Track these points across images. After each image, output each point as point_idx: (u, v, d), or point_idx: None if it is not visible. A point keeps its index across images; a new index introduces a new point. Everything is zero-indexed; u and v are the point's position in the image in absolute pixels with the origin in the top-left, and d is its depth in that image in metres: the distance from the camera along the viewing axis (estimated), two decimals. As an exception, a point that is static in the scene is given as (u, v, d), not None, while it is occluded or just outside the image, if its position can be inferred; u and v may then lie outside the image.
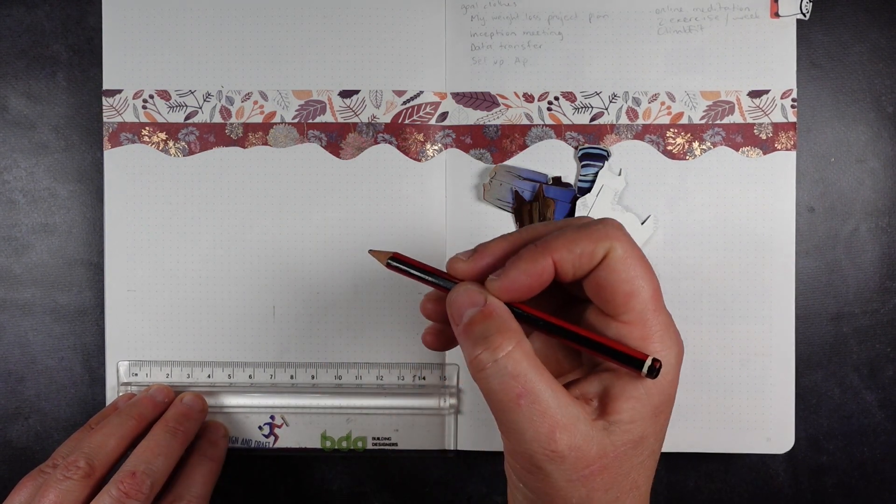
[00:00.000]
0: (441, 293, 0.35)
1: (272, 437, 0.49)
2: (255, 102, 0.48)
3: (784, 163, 0.48)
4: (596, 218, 0.34)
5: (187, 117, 0.48)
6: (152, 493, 0.40)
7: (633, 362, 0.31)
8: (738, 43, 0.48)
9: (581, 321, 0.34)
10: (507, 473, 0.35)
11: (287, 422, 0.49)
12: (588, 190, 0.48)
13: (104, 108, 0.48)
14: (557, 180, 0.48)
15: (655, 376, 0.31)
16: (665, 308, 0.33)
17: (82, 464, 0.39)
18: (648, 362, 0.31)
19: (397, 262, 0.35)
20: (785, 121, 0.48)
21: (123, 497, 0.38)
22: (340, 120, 0.48)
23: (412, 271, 0.35)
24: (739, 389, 0.48)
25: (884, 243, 0.49)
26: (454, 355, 0.48)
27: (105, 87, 0.48)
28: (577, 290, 0.34)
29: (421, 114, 0.48)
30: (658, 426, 0.33)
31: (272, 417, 0.49)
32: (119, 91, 0.48)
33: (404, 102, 0.48)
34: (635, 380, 0.32)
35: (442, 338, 0.36)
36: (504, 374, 0.30)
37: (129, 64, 0.48)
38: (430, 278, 0.34)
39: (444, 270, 0.34)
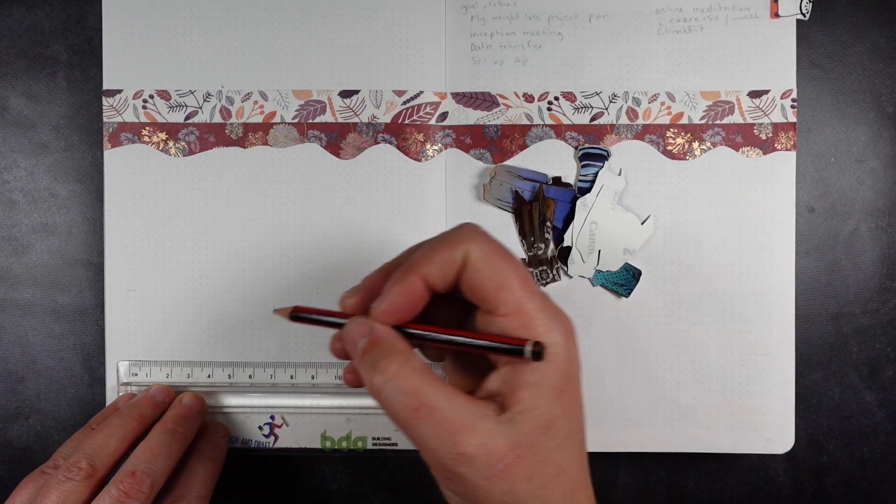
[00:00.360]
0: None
1: (272, 437, 0.49)
2: (255, 102, 0.48)
3: (784, 163, 0.48)
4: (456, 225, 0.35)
5: (187, 117, 0.48)
6: (152, 492, 0.40)
7: (516, 351, 0.32)
8: (738, 43, 0.48)
9: (473, 325, 0.35)
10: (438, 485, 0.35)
11: (287, 422, 0.49)
12: (588, 190, 0.48)
13: (104, 108, 0.48)
14: (557, 180, 0.48)
15: (541, 358, 0.32)
16: (539, 292, 0.34)
17: (84, 464, 0.39)
18: (529, 346, 0.32)
19: (300, 314, 0.38)
20: (785, 121, 0.48)
21: (123, 497, 0.38)
22: (340, 120, 0.48)
23: (315, 319, 0.37)
24: (739, 389, 0.48)
25: (884, 243, 0.49)
26: (454, 355, 0.48)
27: (105, 87, 0.48)
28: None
29: (421, 114, 0.48)
30: (566, 406, 0.33)
31: (272, 417, 0.49)
32: (119, 91, 0.48)
33: (404, 102, 0.48)
34: (528, 367, 0.32)
35: (357, 375, 0.37)
36: (397, 392, 0.32)
37: (129, 64, 0.48)
38: (330, 321, 0.37)
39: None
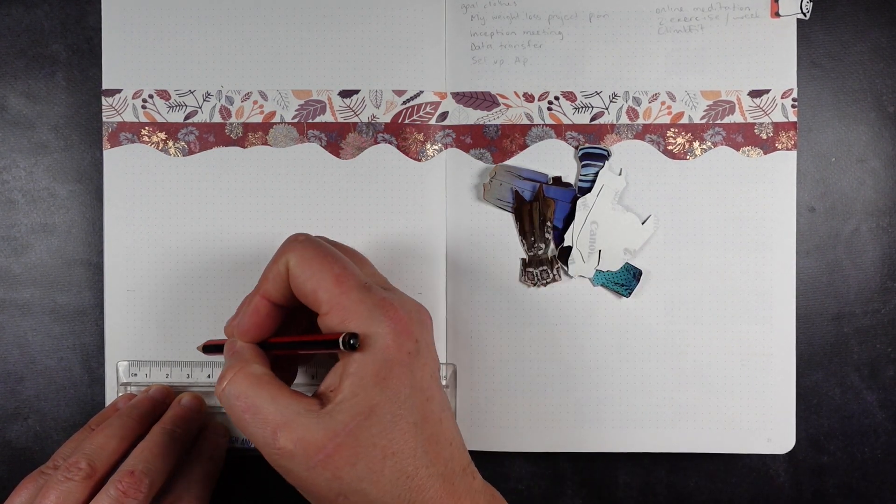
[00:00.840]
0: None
1: (272, 438, 0.49)
2: (255, 102, 0.48)
3: (785, 162, 0.48)
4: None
5: (187, 117, 0.48)
6: (151, 492, 0.39)
7: (333, 344, 0.35)
8: (738, 42, 0.48)
9: (315, 330, 0.38)
10: None
11: (287, 422, 0.49)
12: (588, 190, 0.48)
13: (103, 107, 0.48)
14: (558, 180, 0.48)
15: (354, 348, 0.34)
16: (360, 285, 0.36)
17: (83, 465, 0.39)
18: (341, 339, 0.34)
19: (208, 347, 0.45)
20: (785, 120, 0.48)
21: (122, 496, 0.38)
22: (340, 120, 0.48)
23: (214, 347, 0.43)
24: (740, 390, 0.48)
25: (885, 243, 0.49)
26: (453, 355, 0.48)
27: (104, 86, 0.48)
28: None
29: (421, 114, 0.48)
30: (390, 392, 0.35)
31: (272, 418, 0.49)
32: (118, 91, 0.48)
33: (404, 102, 0.48)
34: (349, 359, 0.35)
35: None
36: (231, 395, 0.36)
37: (128, 63, 0.48)
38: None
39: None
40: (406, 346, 0.35)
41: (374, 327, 0.35)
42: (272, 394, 0.35)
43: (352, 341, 0.34)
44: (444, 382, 0.48)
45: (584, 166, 0.48)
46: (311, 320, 0.39)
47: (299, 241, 0.37)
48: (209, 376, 0.48)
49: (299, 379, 0.46)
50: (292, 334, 0.40)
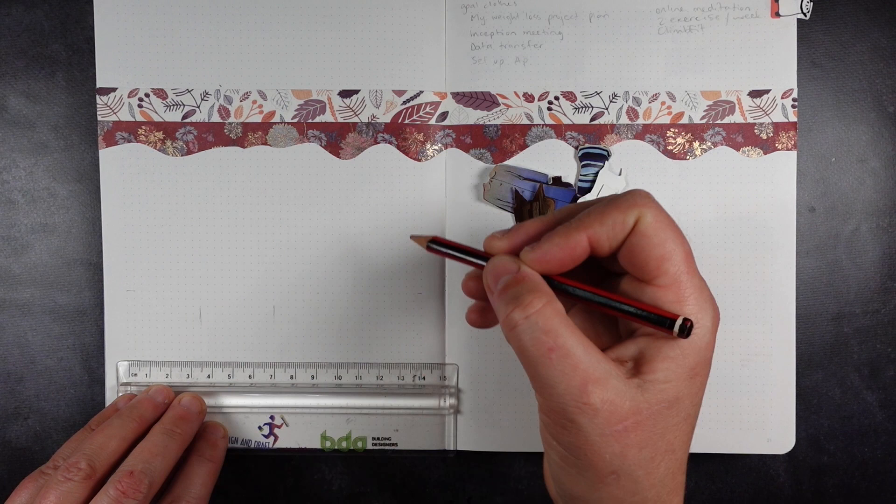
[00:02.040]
0: (480, 271, 0.37)
1: (272, 438, 0.49)
2: (254, 102, 0.48)
3: (785, 163, 0.48)
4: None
5: (185, 116, 0.48)
6: (150, 492, 0.39)
7: (665, 322, 0.32)
8: (738, 43, 0.48)
9: (617, 291, 0.35)
10: (541, 435, 0.35)
11: (287, 422, 0.49)
12: (588, 190, 0.48)
13: (98, 106, 0.48)
14: (557, 180, 0.48)
15: (687, 335, 0.32)
16: (698, 273, 0.34)
17: (83, 465, 0.39)
18: (679, 321, 0.32)
19: (437, 244, 0.38)
20: (785, 120, 0.48)
21: (121, 496, 0.38)
22: (340, 120, 0.48)
23: (451, 252, 0.37)
24: (740, 389, 0.48)
25: (885, 243, 0.49)
26: (454, 355, 0.48)
27: (98, 84, 0.48)
28: (613, 264, 0.35)
29: (421, 114, 0.48)
30: (694, 388, 0.33)
31: (272, 417, 0.49)
32: (114, 89, 0.48)
33: (404, 102, 0.48)
34: (670, 341, 0.33)
35: (484, 315, 0.38)
36: (535, 329, 0.32)
37: (123, 61, 0.48)
38: (468, 257, 0.37)
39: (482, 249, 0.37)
40: (713, 346, 0.34)
41: (702, 319, 0.33)
42: (584, 342, 0.32)
43: (689, 326, 0.32)
44: (444, 383, 0.49)
45: (584, 166, 0.48)
46: (578, 275, 0.36)
47: (652, 200, 0.33)
48: (209, 376, 0.48)
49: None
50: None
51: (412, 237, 0.39)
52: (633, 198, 0.33)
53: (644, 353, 0.33)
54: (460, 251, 0.37)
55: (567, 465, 0.34)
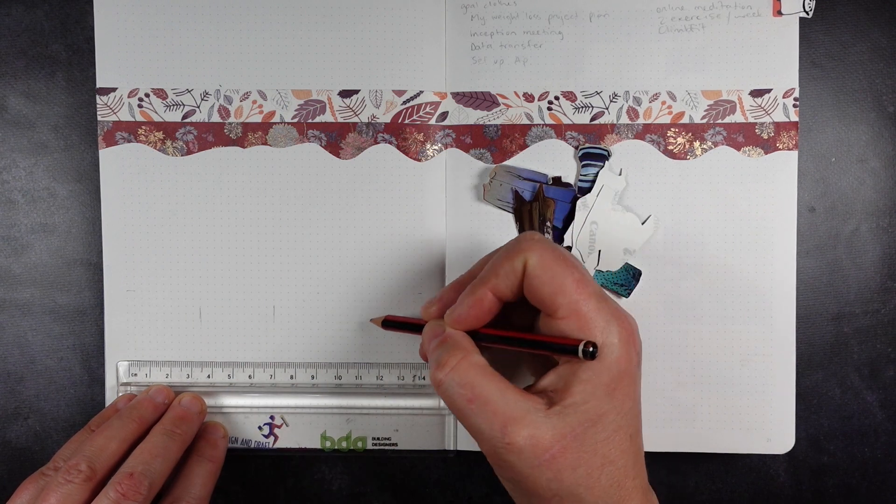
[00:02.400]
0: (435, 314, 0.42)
1: (272, 438, 0.49)
2: (254, 102, 0.48)
3: (785, 162, 0.48)
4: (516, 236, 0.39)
5: (185, 116, 0.48)
6: (150, 494, 0.40)
7: (569, 350, 0.35)
8: (739, 42, 0.48)
9: (537, 328, 0.38)
10: None
11: (287, 422, 0.49)
12: (588, 190, 0.48)
13: (98, 106, 0.48)
14: (557, 180, 0.48)
15: (593, 357, 0.34)
16: (597, 293, 0.36)
17: (84, 467, 0.39)
18: (581, 346, 0.34)
19: (390, 322, 0.45)
20: (787, 120, 0.48)
21: (121, 498, 0.38)
22: (340, 120, 0.48)
23: (403, 327, 0.44)
24: (740, 389, 0.48)
25: (885, 243, 0.49)
26: (454, 355, 0.48)
27: (98, 84, 0.48)
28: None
29: (421, 114, 0.48)
30: (616, 402, 0.35)
31: (272, 417, 0.49)
32: (113, 89, 0.48)
33: (404, 102, 0.48)
34: (582, 365, 0.35)
35: None
36: (454, 384, 0.36)
37: (123, 61, 0.48)
38: (415, 329, 0.42)
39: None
40: (633, 359, 0.36)
41: (609, 337, 0.35)
42: (499, 386, 0.35)
43: (592, 349, 0.34)
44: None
45: (584, 166, 0.48)
46: (509, 317, 0.40)
47: (536, 241, 0.37)
48: (209, 376, 0.48)
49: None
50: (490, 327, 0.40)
51: (372, 320, 0.47)
52: (518, 244, 0.37)
53: (564, 380, 0.36)
54: (409, 325, 0.43)
55: (517, 494, 0.37)
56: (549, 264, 0.36)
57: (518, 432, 0.34)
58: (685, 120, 0.48)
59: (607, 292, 0.39)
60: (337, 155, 0.48)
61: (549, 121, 0.48)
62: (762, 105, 0.48)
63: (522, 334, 0.38)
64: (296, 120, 0.48)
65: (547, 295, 0.36)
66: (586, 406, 0.35)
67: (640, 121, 0.48)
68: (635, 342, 0.36)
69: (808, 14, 0.47)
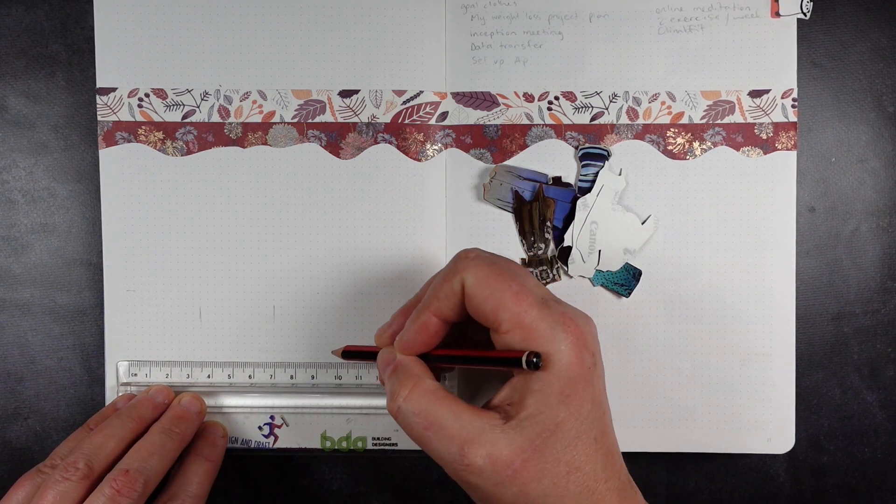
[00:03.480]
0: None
1: (272, 438, 0.49)
2: (254, 102, 0.48)
3: (785, 163, 0.48)
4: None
5: (185, 116, 0.48)
6: (146, 491, 0.39)
7: (514, 363, 0.34)
8: (738, 42, 0.48)
9: (490, 344, 0.38)
10: None
11: (287, 422, 0.49)
12: (588, 190, 0.48)
13: (98, 106, 0.48)
14: (557, 180, 0.48)
15: (538, 367, 0.34)
16: (539, 302, 0.35)
17: (81, 465, 0.39)
18: (524, 358, 0.34)
19: (350, 353, 0.44)
20: (786, 120, 0.48)
21: (116, 495, 0.38)
22: (340, 120, 0.48)
23: (362, 355, 0.44)
24: (740, 389, 0.48)
25: (885, 243, 0.49)
26: (454, 355, 0.48)
27: (98, 84, 0.48)
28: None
29: (421, 114, 0.48)
30: (573, 408, 0.35)
31: (272, 417, 0.49)
32: (113, 89, 0.48)
33: (404, 102, 0.48)
34: (532, 376, 0.35)
35: None
36: (409, 413, 0.36)
37: (123, 61, 0.48)
38: (372, 357, 0.41)
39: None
40: (586, 361, 0.35)
41: (556, 344, 0.35)
42: (453, 409, 0.35)
43: (535, 360, 0.34)
44: (445, 383, 0.49)
45: (584, 166, 0.48)
46: (466, 333, 0.40)
47: (472, 259, 0.37)
48: (209, 376, 0.48)
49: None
50: (446, 346, 0.40)
51: (333, 352, 0.45)
52: (455, 265, 0.37)
53: (517, 393, 0.35)
54: (367, 353, 0.43)
55: None
56: (485, 281, 0.36)
57: (476, 452, 0.34)
58: (685, 120, 0.48)
59: (556, 300, 0.37)
60: (337, 155, 0.48)
61: (549, 121, 0.48)
62: (761, 105, 0.48)
63: (469, 352, 0.38)
64: (296, 120, 0.48)
65: (488, 311, 0.35)
66: (541, 417, 0.34)
67: (640, 121, 0.48)
68: (587, 345, 0.35)
69: (805, 15, 0.48)
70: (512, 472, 0.34)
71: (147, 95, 0.48)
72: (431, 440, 0.35)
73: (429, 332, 0.38)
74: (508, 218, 0.48)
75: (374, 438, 0.49)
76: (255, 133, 0.48)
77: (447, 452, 0.34)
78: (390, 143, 0.48)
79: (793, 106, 0.48)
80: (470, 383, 0.46)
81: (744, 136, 0.48)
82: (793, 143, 0.48)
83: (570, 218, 0.48)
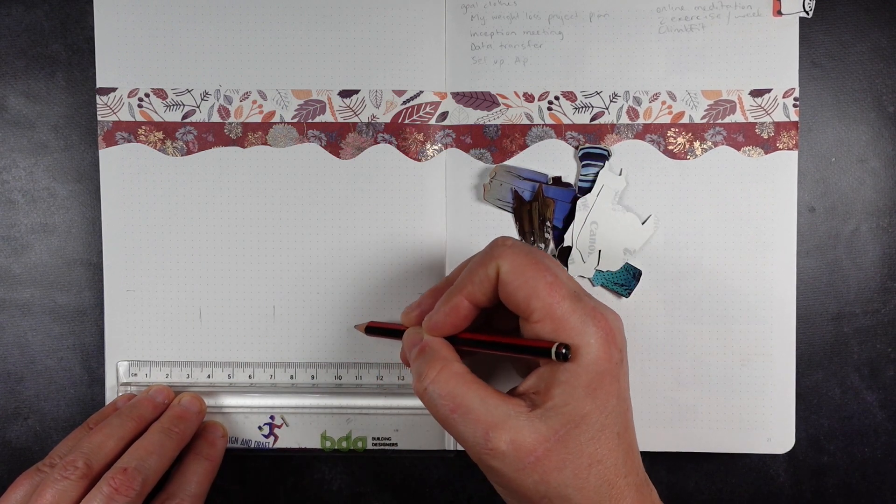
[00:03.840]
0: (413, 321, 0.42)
1: (272, 438, 0.49)
2: (254, 102, 0.48)
3: (785, 162, 0.48)
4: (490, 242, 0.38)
5: (185, 116, 0.48)
6: (144, 490, 0.39)
7: (544, 353, 0.35)
8: (739, 41, 0.48)
9: (519, 331, 0.38)
10: None
11: (287, 422, 0.49)
12: (588, 190, 0.48)
13: (98, 106, 0.48)
14: (557, 180, 0.48)
15: (567, 359, 0.35)
16: (572, 294, 0.36)
17: (80, 464, 0.39)
18: (554, 349, 0.34)
19: (373, 328, 0.45)
20: (787, 120, 0.48)
21: (114, 493, 0.38)
22: (340, 120, 0.48)
23: (386, 333, 0.44)
24: (740, 389, 0.48)
25: (885, 243, 0.49)
26: (454, 355, 0.48)
27: (98, 84, 0.48)
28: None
29: (421, 114, 0.48)
30: (599, 402, 0.35)
31: (272, 417, 0.49)
32: (113, 89, 0.48)
33: (404, 102, 0.48)
34: (561, 366, 0.35)
35: None
36: (435, 395, 0.36)
37: (123, 61, 0.48)
38: (396, 335, 0.42)
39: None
40: (614, 357, 0.36)
41: (586, 337, 0.35)
42: (480, 394, 0.35)
43: (564, 351, 0.34)
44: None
45: (584, 166, 0.48)
46: (490, 321, 0.41)
47: (508, 247, 0.37)
48: (209, 376, 0.48)
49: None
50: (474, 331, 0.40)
51: (356, 327, 0.47)
52: (491, 251, 0.37)
53: (545, 382, 0.36)
54: (391, 331, 0.43)
55: (508, 498, 0.38)
56: (521, 269, 0.36)
57: (500, 437, 0.34)
58: (685, 120, 0.48)
59: (599, 291, 0.39)
60: (337, 155, 0.48)
61: (549, 121, 0.48)
62: (762, 105, 0.48)
63: (499, 338, 0.38)
64: (296, 120, 0.48)
65: (521, 300, 0.36)
66: (567, 408, 0.35)
67: (640, 121, 0.48)
68: (615, 340, 0.36)
69: (808, 14, 0.47)
70: (534, 459, 0.34)
71: (147, 95, 0.48)
72: (457, 422, 0.35)
73: (459, 315, 0.38)
74: (508, 218, 0.48)
75: (374, 438, 0.49)
76: (255, 133, 0.48)
77: (472, 435, 0.35)
78: (390, 143, 0.48)
79: (794, 105, 0.48)
80: (487, 368, 0.47)
81: (745, 136, 0.48)
82: (794, 142, 0.48)
83: (570, 218, 0.48)
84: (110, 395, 0.48)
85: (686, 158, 0.48)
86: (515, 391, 0.37)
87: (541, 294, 0.35)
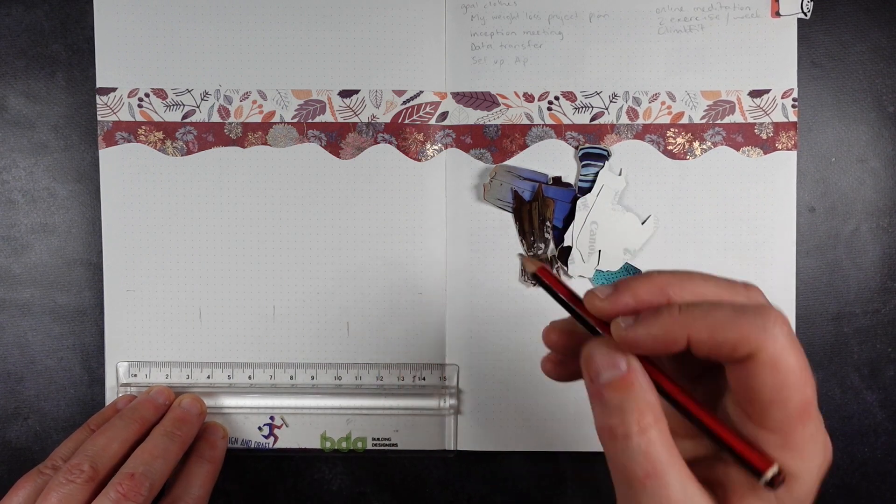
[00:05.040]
0: (568, 326, 0.33)
1: (272, 438, 0.49)
2: (254, 102, 0.48)
3: (785, 162, 0.48)
4: (757, 303, 0.30)
5: (185, 116, 0.48)
6: (151, 494, 0.39)
7: (752, 469, 0.29)
8: (738, 42, 0.48)
9: (719, 399, 0.31)
10: None
11: (287, 422, 0.49)
12: (588, 190, 0.48)
13: (98, 106, 0.48)
14: (557, 180, 0.48)
15: (774, 488, 0.29)
16: (818, 416, 0.30)
17: (86, 467, 0.39)
18: (770, 474, 0.28)
19: (540, 277, 0.33)
20: (786, 120, 0.48)
21: (122, 499, 0.38)
22: (340, 120, 0.48)
23: (551, 290, 0.33)
24: (740, 390, 0.48)
25: (885, 243, 0.49)
26: (454, 356, 0.48)
27: (98, 84, 0.48)
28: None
29: (421, 114, 0.48)
30: None
31: (272, 418, 0.49)
32: (113, 89, 0.48)
33: (404, 102, 0.48)
34: (757, 483, 0.29)
35: (564, 370, 0.34)
36: (636, 451, 0.29)
37: (123, 61, 0.48)
38: (566, 306, 0.32)
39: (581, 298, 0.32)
40: (814, 495, 0.30)
41: (804, 468, 0.29)
42: (682, 474, 0.29)
43: (781, 479, 0.28)
44: (444, 383, 0.49)
45: (584, 166, 0.48)
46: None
47: (780, 331, 0.28)
48: (209, 377, 0.48)
49: (299, 379, 0.46)
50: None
51: (519, 255, 0.39)
52: (759, 322, 0.28)
53: (733, 485, 0.30)
54: (560, 296, 0.32)
55: None
56: (781, 369, 0.28)
57: None
58: (685, 120, 0.48)
59: None
60: (337, 155, 0.48)
61: (549, 121, 0.48)
62: (761, 105, 0.48)
63: (706, 414, 0.30)
64: (296, 120, 0.48)
65: (763, 401, 0.28)
66: None
67: (640, 121, 0.48)
68: (824, 476, 0.30)
69: (805, 15, 0.48)
70: None
71: (147, 95, 0.48)
72: (644, 491, 0.29)
73: (668, 348, 0.29)
74: (508, 218, 0.48)
75: (374, 439, 0.49)
76: (255, 133, 0.48)
77: None
78: (390, 143, 0.48)
79: (793, 106, 0.48)
80: None
81: (744, 136, 0.48)
82: (793, 142, 0.48)
83: (570, 218, 0.48)
84: (110, 396, 0.48)
85: (685, 158, 0.48)
86: (697, 470, 0.30)
87: (789, 407, 0.28)
